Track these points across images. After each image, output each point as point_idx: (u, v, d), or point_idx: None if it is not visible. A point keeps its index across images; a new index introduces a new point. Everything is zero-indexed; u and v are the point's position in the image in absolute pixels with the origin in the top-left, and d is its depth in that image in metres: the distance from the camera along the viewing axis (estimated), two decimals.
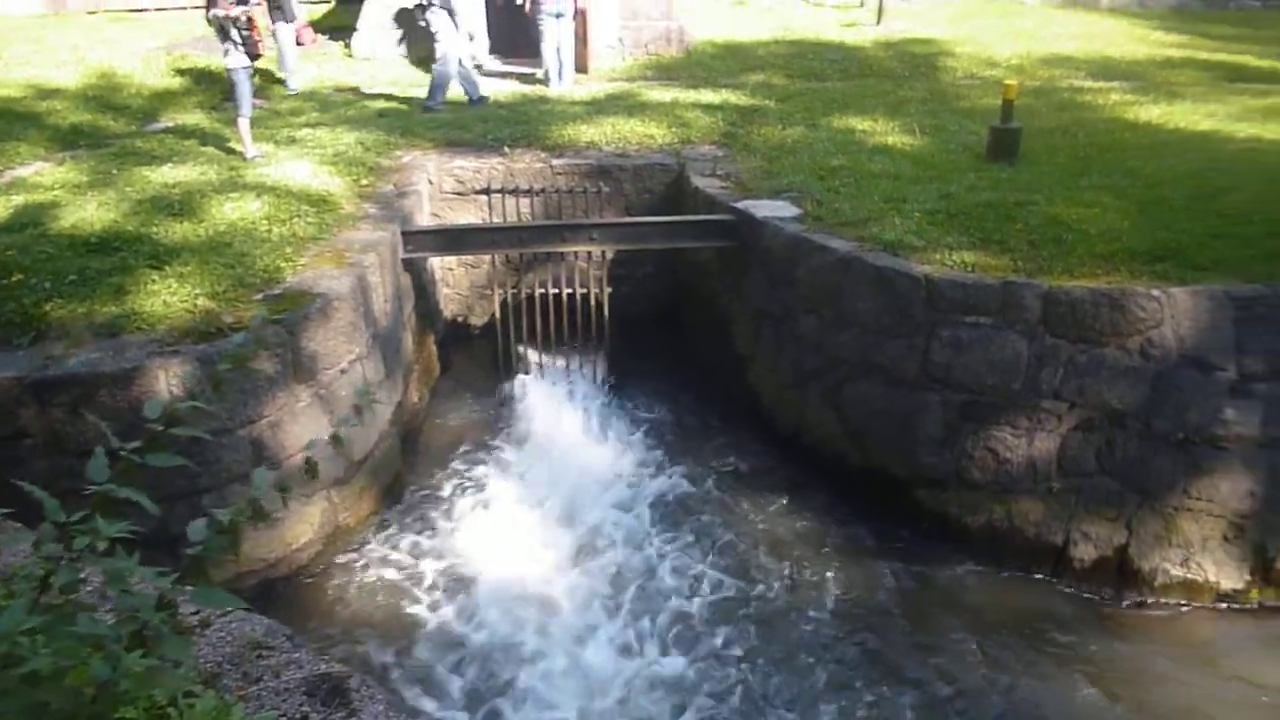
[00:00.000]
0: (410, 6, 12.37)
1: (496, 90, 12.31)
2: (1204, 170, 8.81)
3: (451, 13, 11.45)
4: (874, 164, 9.19)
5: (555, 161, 9.70)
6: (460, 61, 11.72)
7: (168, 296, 6.76)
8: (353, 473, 7.25)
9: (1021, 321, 6.85)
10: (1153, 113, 11.09)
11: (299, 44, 13.20)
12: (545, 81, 12.56)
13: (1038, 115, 10.73)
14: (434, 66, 11.66)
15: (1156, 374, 6.73)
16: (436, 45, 11.55)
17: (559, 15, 12.15)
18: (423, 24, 11.62)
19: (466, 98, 11.72)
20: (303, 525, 6.86)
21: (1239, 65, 13.69)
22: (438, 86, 11.61)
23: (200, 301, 6.73)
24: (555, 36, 12.26)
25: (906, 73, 13.19)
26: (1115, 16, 17.30)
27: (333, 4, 17.60)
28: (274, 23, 12.33)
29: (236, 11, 9.29)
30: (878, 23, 15.57)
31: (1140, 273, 6.97)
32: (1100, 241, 7.33)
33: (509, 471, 8.29)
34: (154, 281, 6.90)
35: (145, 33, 15.61)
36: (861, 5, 16.90)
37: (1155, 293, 6.69)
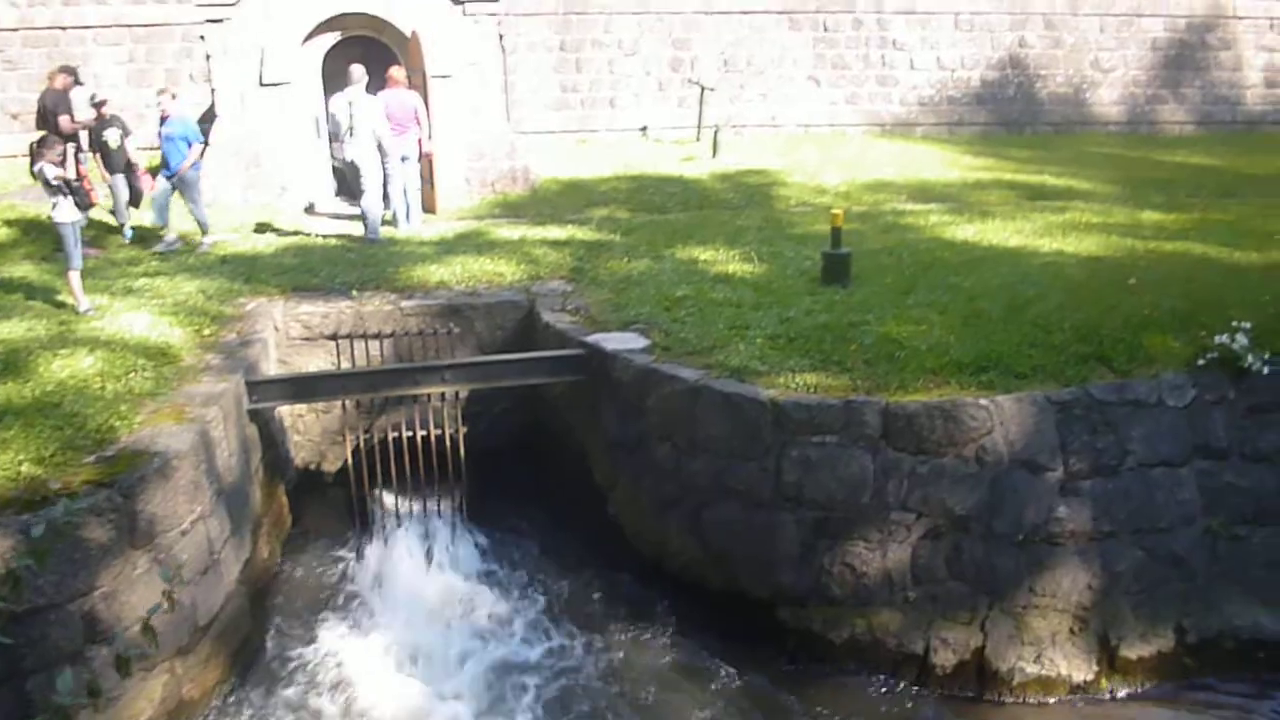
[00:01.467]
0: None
1: (344, 232, 12.31)
2: (1016, 283, 9.54)
3: (381, 147, 11.69)
4: (716, 292, 9.56)
5: (405, 303, 9.70)
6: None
7: None
8: (198, 639, 6.82)
9: (864, 438, 7.16)
10: (968, 231, 11.99)
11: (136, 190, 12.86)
12: (393, 223, 12.63)
13: (865, 238, 11.44)
14: (362, 202, 11.81)
15: (992, 479, 7.11)
16: (362, 178, 11.71)
17: (404, 158, 12.35)
18: (341, 160, 11.71)
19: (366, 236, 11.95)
20: (141, 702, 6.36)
21: (1039, 185, 15.03)
22: (372, 222, 11.84)
23: (25, 468, 6.33)
24: (401, 178, 12.41)
25: (743, 202, 13.88)
26: (928, 143, 18.77)
27: None
28: (109, 173, 12.04)
29: (63, 174, 9.05)
30: (713, 156, 16.42)
31: (968, 384, 7.43)
32: (930, 356, 7.79)
33: (365, 626, 7.97)
34: None
35: None
36: (698, 139, 17.81)
37: (984, 402, 7.14)
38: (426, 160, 13.04)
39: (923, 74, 20.03)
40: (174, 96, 11.94)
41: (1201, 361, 7.73)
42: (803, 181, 15.00)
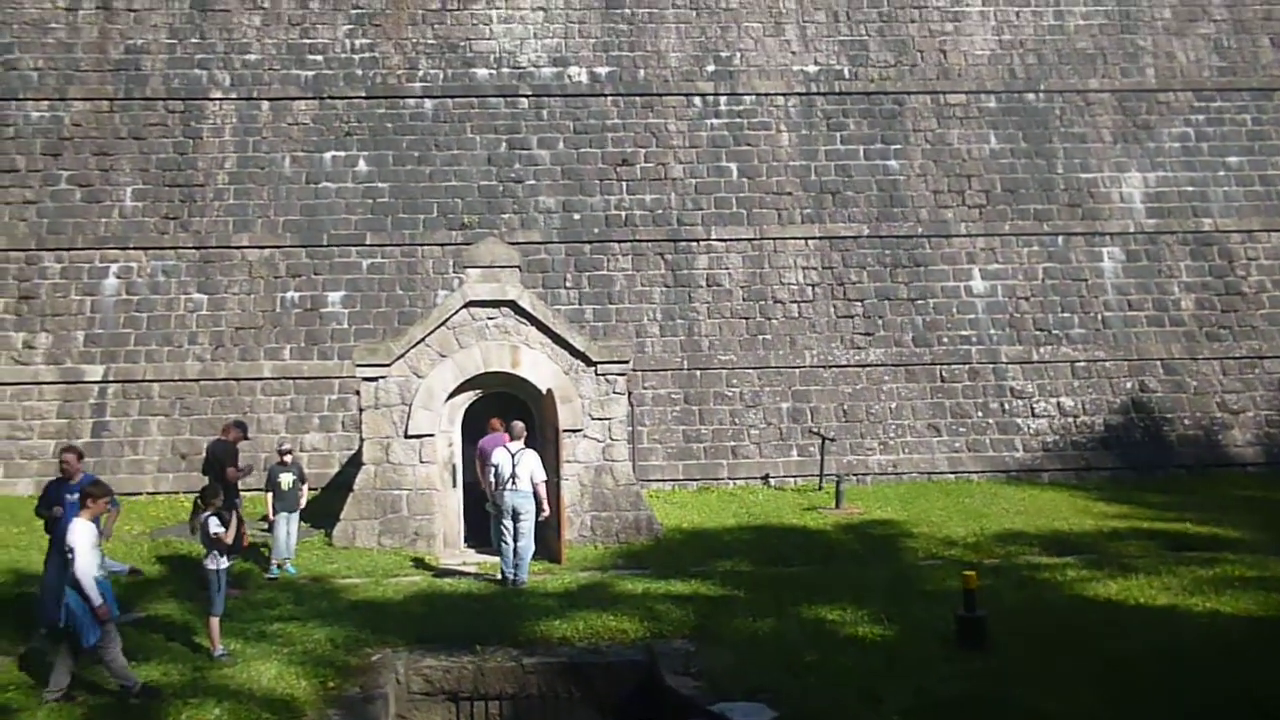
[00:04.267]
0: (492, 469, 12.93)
1: (472, 581, 12.59)
2: (1172, 648, 8.94)
3: (536, 495, 12.43)
4: (846, 656, 9.19)
5: (527, 660, 9.62)
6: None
7: None
8: None
9: None
10: (1111, 588, 11.42)
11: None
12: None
13: (1000, 596, 10.98)
14: (520, 545, 12.33)
15: None
16: (521, 522, 12.29)
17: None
18: (497, 506, 12.44)
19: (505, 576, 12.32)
20: None
21: (1180, 533, 14.40)
22: (524, 565, 12.33)
23: None
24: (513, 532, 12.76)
25: (868, 555, 13.62)
26: (1056, 489, 18.42)
27: (318, 491, 18.38)
28: (275, 513, 12.88)
29: (222, 534, 9.65)
30: (836, 506, 16.42)
31: None
32: None
33: None
34: None
35: (133, 518, 16.09)
36: (820, 488, 17.94)
37: None
38: (553, 511, 13.45)
39: (1044, 420, 20.10)
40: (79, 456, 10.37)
41: None
42: (929, 533, 14.73)
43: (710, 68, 22.42)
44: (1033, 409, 20.16)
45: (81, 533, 8.48)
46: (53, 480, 10.50)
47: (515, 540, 12.34)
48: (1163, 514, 15.88)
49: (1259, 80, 22.87)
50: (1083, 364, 20.59)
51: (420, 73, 22.05)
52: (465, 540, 14.89)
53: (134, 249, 20.46)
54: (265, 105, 21.58)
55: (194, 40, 21.91)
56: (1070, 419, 20.19)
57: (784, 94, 22.29)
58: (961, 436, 19.86)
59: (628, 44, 22.53)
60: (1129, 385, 20.54)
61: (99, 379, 19.48)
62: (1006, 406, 20.14)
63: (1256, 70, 22.99)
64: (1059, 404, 20.27)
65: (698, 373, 20.06)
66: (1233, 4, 23.48)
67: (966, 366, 20.38)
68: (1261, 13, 23.39)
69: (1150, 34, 23.20)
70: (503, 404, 14.84)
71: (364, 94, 21.74)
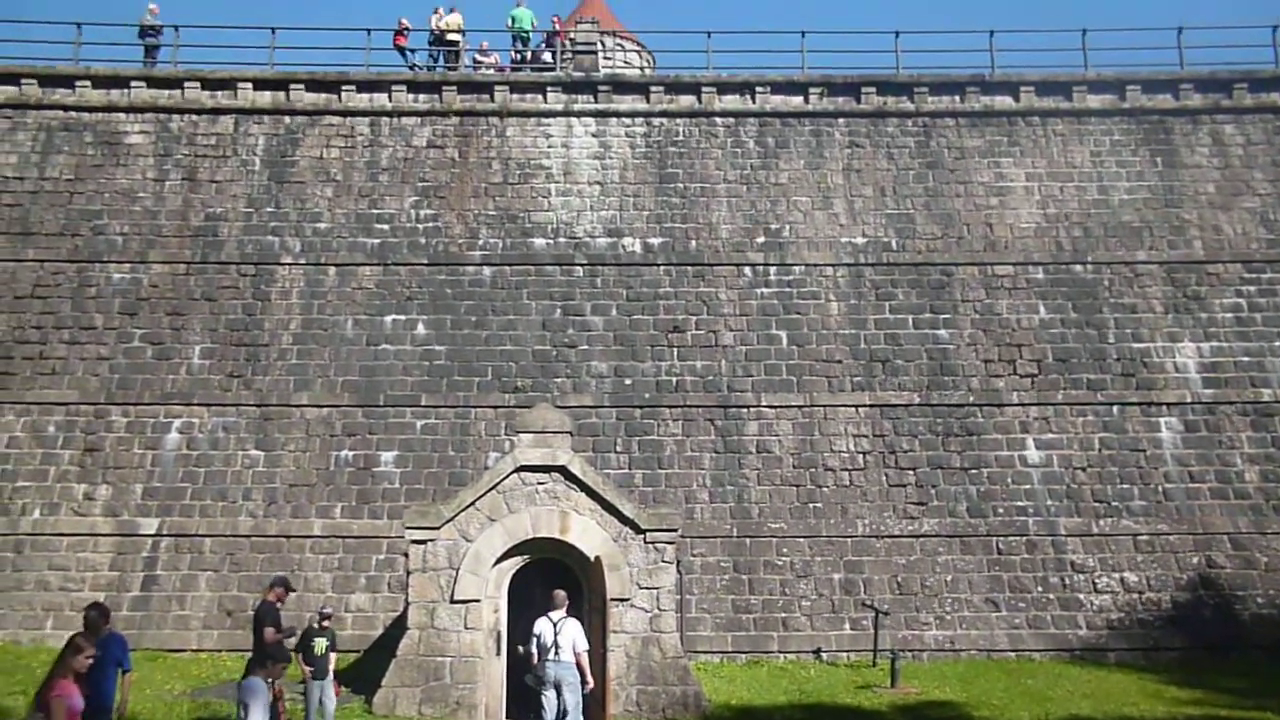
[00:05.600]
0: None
1: None
2: None
3: (580, 667, 12.22)
4: None
5: None
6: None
7: None
8: None
9: None
10: None
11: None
12: None
13: None
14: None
15: None
16: (564, 694, 12.07)
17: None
18: (537, 678, 12.26)
19: None
20: None
21: None
22: None
23: None
24: (554, 705, 12.44)
25: None
26: (1124, 671, 17.56)
27: (360, 654, 18.13)
28: (309, 677, 12.66)
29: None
30: (891, 684, 15.79)
31: None
32: None
33: None
34: None
35: (174, 674, 15.96)
36: (874, 665, 17.31)
37: None
38: (599, 683, 13.12)
39: (1107, 596, 19.37)
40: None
41: None
42: (990, 716, 14.06)
43: (760, 239, 23.10)
44: (1095, 584, 19.48)
45: (253, 691, 9.02)
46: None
47: (559, 715, 12.02)
48: (1240, 700, 15.04)
49: None
50: (1145, 537, 19.98)
51: (480, 241, 23.00)
52: (506, 714, 14.50)
53: (198, 405, 21.05)
54: (332, 270, 22.55)
55: (269, 209, 23.18)
56: (1135, 595, 19.44)
57: (832, 264, 22.82)
58: (1021, 612, 19.15)
59: (680, 216, 23.38)
60: (1195, 560, 19.83)
61: (153, 532, 19.72)
62: (1067, 581, 19.48)
63: None
64: (1122, 579, 19.58)
65: (748, 540, 19.78)
66: (1275, 179, 23.81)
67: (1024, 538, 19.87)
68: None
69: (1195, 208, 23.52)
70: (550, 570, 14.72)
71: (426, 261, 22.66)
